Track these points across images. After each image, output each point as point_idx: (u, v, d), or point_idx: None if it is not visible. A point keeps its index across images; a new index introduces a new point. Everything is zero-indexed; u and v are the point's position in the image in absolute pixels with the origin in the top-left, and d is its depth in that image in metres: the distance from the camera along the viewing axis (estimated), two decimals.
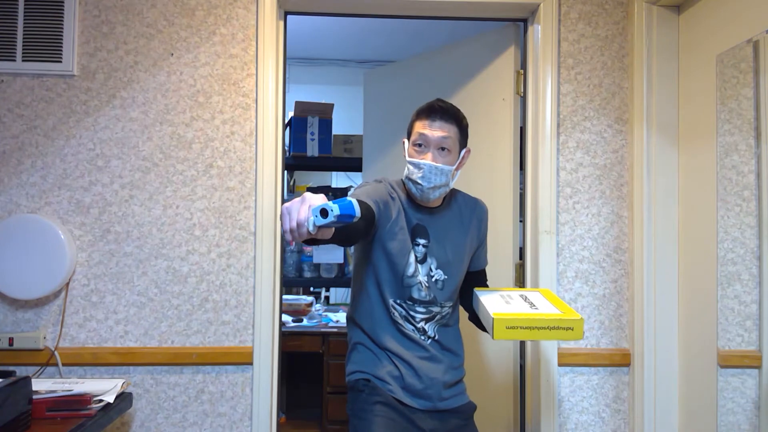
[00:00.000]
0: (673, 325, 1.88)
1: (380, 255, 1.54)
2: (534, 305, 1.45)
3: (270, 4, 1.93)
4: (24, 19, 1.88)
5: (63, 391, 1.55)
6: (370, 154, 2.73)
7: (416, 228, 1.56)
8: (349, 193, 1.58)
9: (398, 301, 1.56)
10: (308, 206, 1.04)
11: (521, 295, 1.56)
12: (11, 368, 1.79)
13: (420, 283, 1.55)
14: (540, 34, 1.97)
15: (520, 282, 2.08)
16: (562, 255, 1.97)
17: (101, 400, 1.56)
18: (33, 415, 1.45)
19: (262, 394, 1.89)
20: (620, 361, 1.95)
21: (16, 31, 1.87)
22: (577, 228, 1.97)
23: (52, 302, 1.88)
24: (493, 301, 1.48)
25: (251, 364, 1.89)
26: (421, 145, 1.50)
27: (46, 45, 1.88)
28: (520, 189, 2.11)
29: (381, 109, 2.67)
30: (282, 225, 1.06)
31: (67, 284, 1.87)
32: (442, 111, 1.50)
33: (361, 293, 1.61)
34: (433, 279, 1.57)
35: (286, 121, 2.78)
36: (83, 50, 1.91)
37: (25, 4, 1.88)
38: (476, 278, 1.72)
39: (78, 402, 1.51)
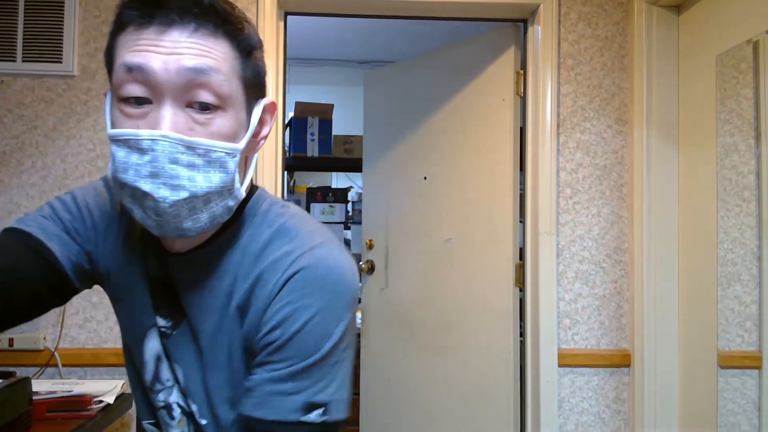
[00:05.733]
0: (673, 326, 1.88)
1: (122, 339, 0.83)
2: None
3: (270, 5, 1.92)
4: (24, 20, 1.87)
5: (63, 391, 1.55)
6: (370, 155, 2.72)
7: (156, 286, 0.75)
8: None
9: (152, 423, 0.83)
10: None
11: None
12: (11, 369, 1.78)
13: (169, 408, 0.77)
14: (540, 34, 1.97)
15: (520, 282, 2.08)
16: (562, 255, 1.97)
17: (101, 401, 1.56)
18: (33, 415, 1.44)
19: None
20: (620, 361, 1.95)
21: (16, 31, 1.87)
22: (577, 228, 1.97)
23: None
24: None
25: None
26: (138, 100, 0.60)
27: (46, 45, 1.87)
28: (520, 189, 2.11)
29: (381, 109, 2.66)
30: None
31: None
32: (180, 3, 0.60)
33: None
34: (196, 417, 0.75)
35: (286, 121, 2.78)
36: (83, 50, 1.90)
37: (25, 4, 1.87)
38: None
39: (78, 403, 1.51)
